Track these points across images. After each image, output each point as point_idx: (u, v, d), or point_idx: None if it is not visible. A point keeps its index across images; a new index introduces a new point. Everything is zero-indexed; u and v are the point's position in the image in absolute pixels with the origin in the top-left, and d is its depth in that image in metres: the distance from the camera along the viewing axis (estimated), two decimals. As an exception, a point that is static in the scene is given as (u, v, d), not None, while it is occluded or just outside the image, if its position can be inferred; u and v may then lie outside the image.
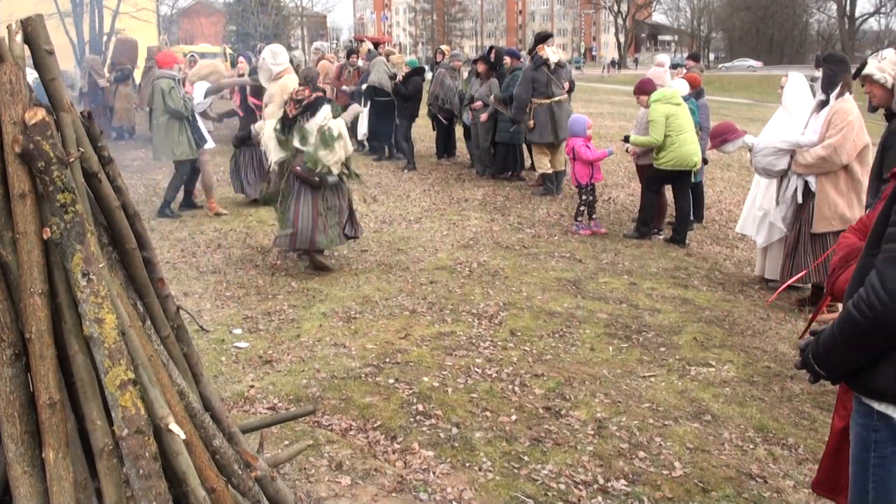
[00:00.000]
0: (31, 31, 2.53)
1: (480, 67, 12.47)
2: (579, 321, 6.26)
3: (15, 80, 2.40)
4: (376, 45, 17.79)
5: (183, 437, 2.53)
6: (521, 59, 12.33)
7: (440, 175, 13.28)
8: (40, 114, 2.37)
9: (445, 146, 14.94)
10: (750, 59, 79.08)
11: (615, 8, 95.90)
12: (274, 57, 9.55)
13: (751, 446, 4.34)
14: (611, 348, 5.73)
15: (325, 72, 15.45)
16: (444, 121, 14.06)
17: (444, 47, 15.63)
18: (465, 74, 13.96)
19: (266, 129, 8.09)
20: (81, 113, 2.76)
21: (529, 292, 6.97)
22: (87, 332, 2.35)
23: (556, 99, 11.14)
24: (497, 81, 12.13)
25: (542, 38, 11.52)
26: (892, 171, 2.69)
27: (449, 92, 13.58)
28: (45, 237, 2.37)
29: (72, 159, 2.41)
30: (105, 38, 32.70)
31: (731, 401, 4.87)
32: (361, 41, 18.42)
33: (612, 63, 76.98)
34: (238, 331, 6.12)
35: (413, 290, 7.09)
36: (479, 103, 12.36)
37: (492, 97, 12.02)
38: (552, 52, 11.20)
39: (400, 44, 58.33)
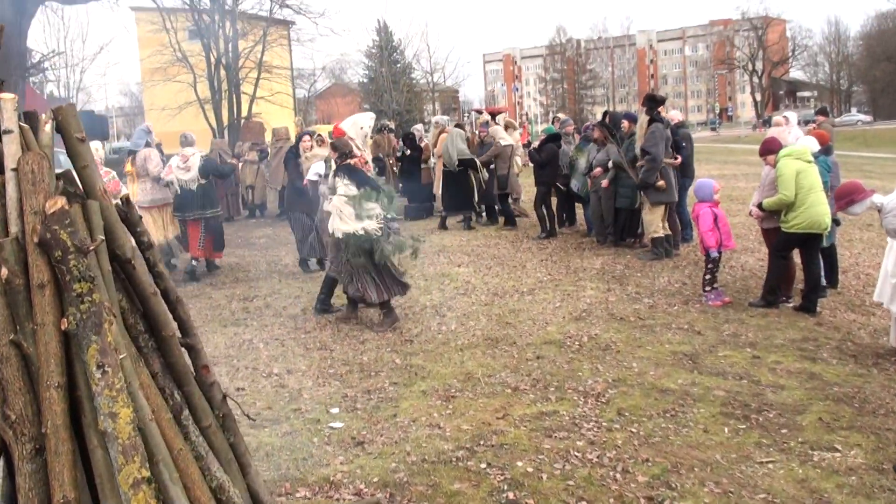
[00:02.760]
0: (63, 119, 2.48)
1: (597, 133, 12.22)
2: (694, 399, 5.81)
3: (37, 170, 2.34)
4: (494, 115, 17.77)
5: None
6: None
7: (559, 244, 13.00)
8: (60, 202, 2.29)
9: (566, 214, 14.68)
10: (860, 114, 77.04)
11: (750, 66, 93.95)
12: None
13: (882, 546, 3.83)
14: (726, 430, 5.26)
15: (443, 144, 15.64)
16: (562, 188, 13.80)
17: (559, 115, 15.51)
18: (577, 140, 13.75)
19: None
20: (120, 199, 2.69)
21: (641, 368, 6.56)
22: (101, 427, 2.22)
23: (677, 161, 10.85)
24: (615, 147, 11.83)
25: (662, 100, 11.23)
26: None
27: (565, 158, 13.40)
28: (63, 328, 2.26)
29: (91, 247, 2.31)
30: (243, 122, 34.22)
31: (858, 492, 4.33)
32: (480, 112, 18.48)
33: (765, 121, 73.87)
34: (335, 410, 5.98)
35: (518, 365, 6.80)
36: (598, 170, 12.07)
37: (610, 162, 11.73)
38: (677, 113, 10.94)
39: (526, 114, 58.65)
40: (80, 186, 2.53)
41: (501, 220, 15.47)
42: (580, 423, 5.45)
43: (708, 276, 8.74)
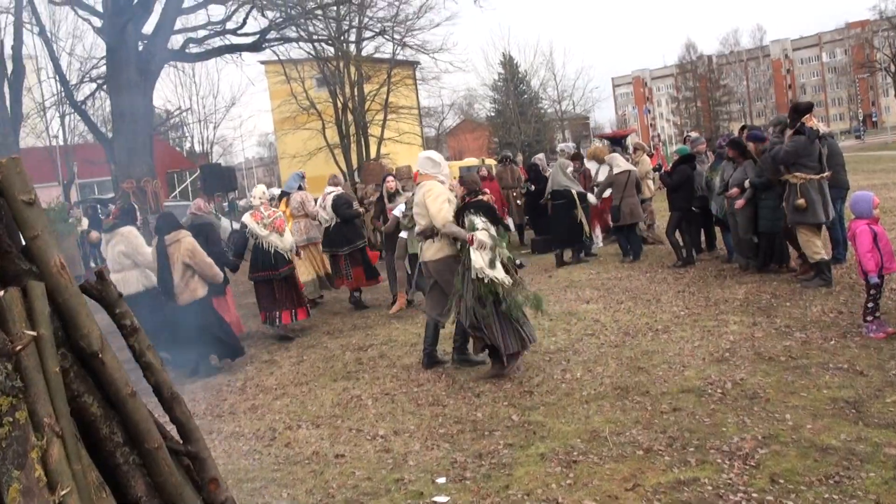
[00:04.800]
0: (4, 178, 1.92)
1: (731, 152, 11.22)
2: (861, 460, 4.83)
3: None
4: (620, 138, 16.83)
5: None
6: (767, 141, 10.77)
7: (697, 273, 11.97)
8: (-19, 288, 1.72)
9: (704, 239, 13.61)
10: None
11: (892, 68, 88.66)
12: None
13: None
14: (907, 501, 4.28)
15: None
16: (696, 210, 12.77)
17: (690, 133, 14.51)
18: (710, 159, 12.73)
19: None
20: (96, 273, 2.13)
21: (796, 420, 5.60)
22: None
23: (826, 175, 9.68)
24: (752, 163, 10.80)
25: (808, 108, 10.08)
26: None
27: (700, 179, 12.41)
28: (-16, 460, 1.69)
29: (18, 347, 1.73)
30: (364, 164, 34.51)
31: None
32: (602, 139, 17.65)
33: None
34: (442, 480, 5.32)
35: (651, 420, 5.96)
36: (735, 190, 11.05)
37: (747, 182, 10.71)
38: (820, 124, 9.77)
39: (658, 135, 56.88)
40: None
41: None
42: (726, 495, 4.58)
43: (870, 304, 7.62)
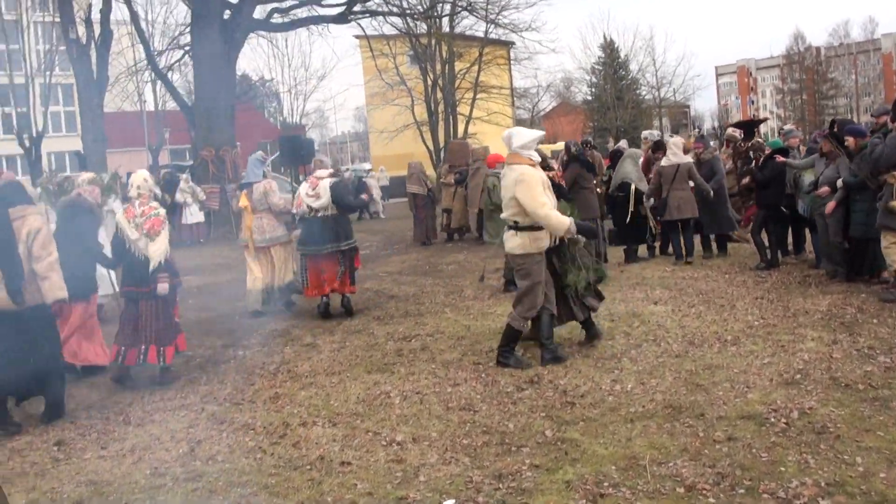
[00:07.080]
0: None
1: (825, 146, 10.24)
2: (945, 525, 4.05)
3: None
4: (750, 127, 15.17)
5: None
6: (868, 137, 9.74)
7: (780, 277, 11.04)
8: None
9: (792, 240, 12.60)
10: None
11: None
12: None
13: None
14: None
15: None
16: (784, 210, 11.81)
17: (786, 126, 13.48)
18: (802, 154, 11.74)
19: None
20: None
21: (868, 465, 4.78)
22: None
23: None
24: (847, 161, 9.81)
25: None
26: None
27: (790, 174, 11.46)
28: None
29: None
30: (449, 143, 34.14)
31: None
32: (728, 127, 16.39)
33: None
34: (450, 502, 4.71)
35: (701, 449, 5.22)
36: (825, 189, 10.10)
37: (840, 181, 9.74)
38: None
39: (757, 129, 54.71)
40: None
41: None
42: (771, 556, 3.86)
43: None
